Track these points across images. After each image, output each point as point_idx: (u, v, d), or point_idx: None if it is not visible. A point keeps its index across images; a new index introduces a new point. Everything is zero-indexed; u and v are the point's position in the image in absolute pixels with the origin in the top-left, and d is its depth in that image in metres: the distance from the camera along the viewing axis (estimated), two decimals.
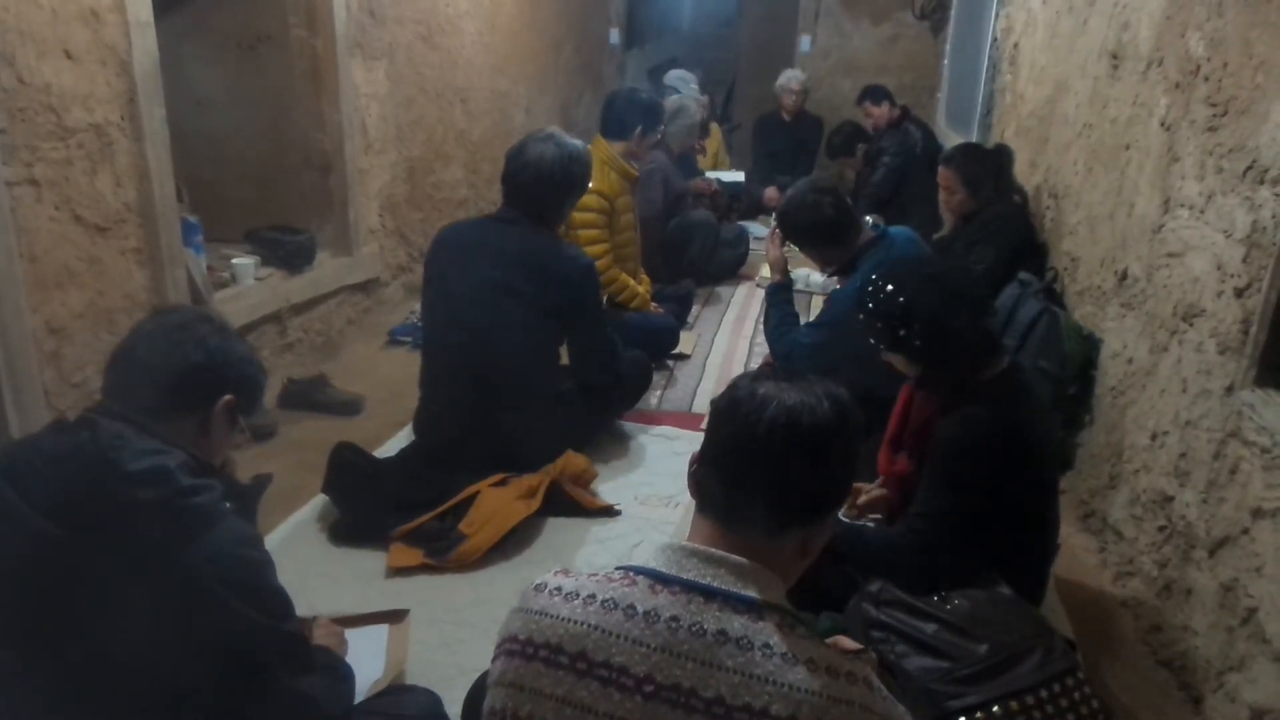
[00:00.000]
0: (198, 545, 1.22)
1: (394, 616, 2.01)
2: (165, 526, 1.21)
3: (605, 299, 3.47)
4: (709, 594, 0.98)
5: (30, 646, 1.22)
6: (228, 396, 1.38)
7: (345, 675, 1.52)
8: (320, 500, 2.48)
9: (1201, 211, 2.05)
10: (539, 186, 2.58)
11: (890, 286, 1.88)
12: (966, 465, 1.78)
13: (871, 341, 1.92)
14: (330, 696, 1.43)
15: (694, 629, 0.96)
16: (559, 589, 1.04)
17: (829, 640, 1.52)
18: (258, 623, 1.28)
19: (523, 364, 2.55)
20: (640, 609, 0.98)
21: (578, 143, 2.69)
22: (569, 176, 2.61)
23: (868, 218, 2.90)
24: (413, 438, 2.79)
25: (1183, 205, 2.15)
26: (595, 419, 2.88)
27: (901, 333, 1.85)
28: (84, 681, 1.22)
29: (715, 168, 5.67)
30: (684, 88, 5.51)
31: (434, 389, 2.68)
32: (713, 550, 1.02)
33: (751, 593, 0.98)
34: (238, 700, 1.29)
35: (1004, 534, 1.80)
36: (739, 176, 5.58)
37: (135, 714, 1.24)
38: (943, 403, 1.90)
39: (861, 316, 1.93)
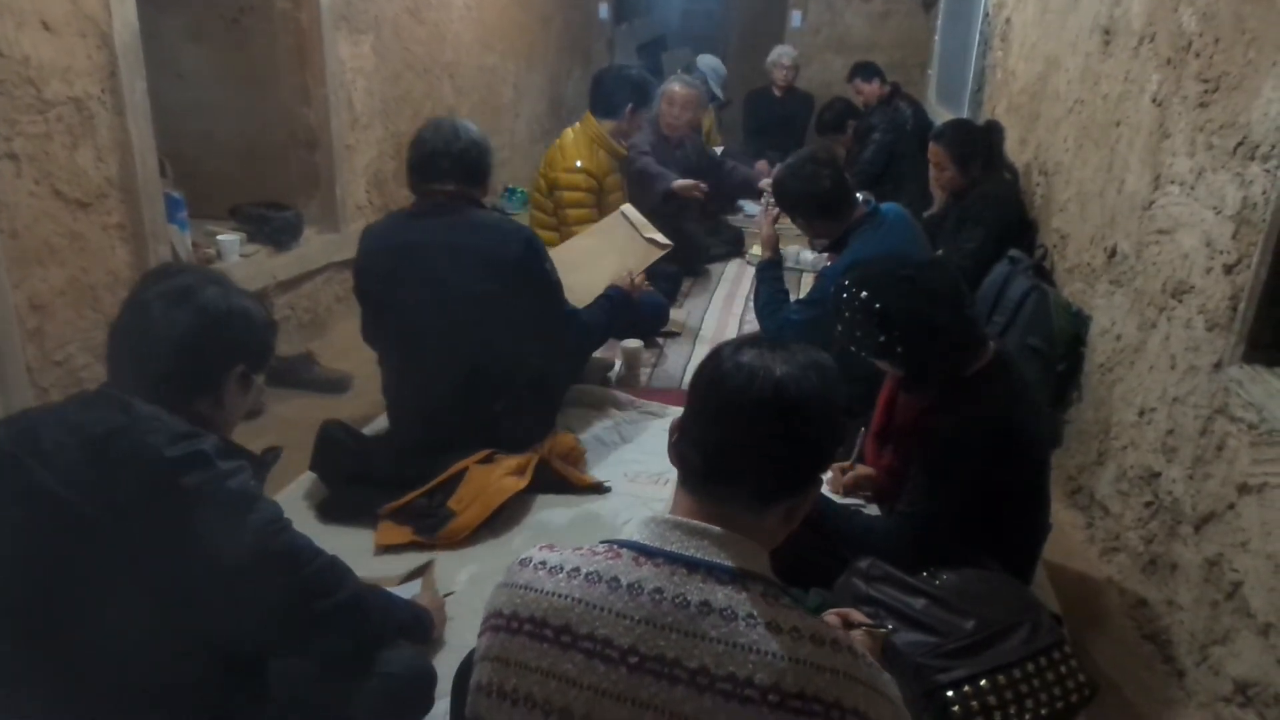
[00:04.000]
0: (242, 527, 1.23)
1: (418, 573, 2.08)
2: (205, 512, 1.20)
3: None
4: (692, 566, 0.98)
5: (63, 632, 1.20)
6: (239, 367, 1.36)
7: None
8: (308, 478, 2.47)
9: (1192, 188, 2.04)
10: (471, 152, 2.44)
11: (865, 293, 1.82)
12: (957, 472, 1.77)
13: (852, 349, 1.89)
14: (361, 594, 1.48)
15: (677, 600, 0.96)
16: (543, 563, 1.04)
17: (836, 612, 1.51)
18: (288, 577, 1.32)
19: (494, 357, 2.45)
20: (624, 581, 0.98)
21: (467, 122, 2.60)
22: (475, 149, 2.48)
23: (859, 194, 2.88)
24: None
25: (1173, 182, 2.15)
26: (567, 371, 2.89)
27: (881, 339, 1.81)
28: (119, 667, 1.20)
29: (708, 145, 5.63)
30: (713, 78, 5.47)
31: (408, 393, 2.55)
32: (695, 522, 1.01)
33: (734, 563, 0.98)
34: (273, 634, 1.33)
35: (995, 519, 1.80)
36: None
37: (175, 696, 1.24)
38: (930, 401, 1.89)
39: (839, 326, 1.89)
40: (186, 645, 1.23)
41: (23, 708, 1.23)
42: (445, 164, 2.43)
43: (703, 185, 4.29)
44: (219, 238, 3.17)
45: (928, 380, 1.90)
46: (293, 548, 1.35)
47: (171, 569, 1.19)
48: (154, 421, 1.22)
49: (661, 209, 4.06)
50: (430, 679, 1.57)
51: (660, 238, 3.21)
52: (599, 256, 3.09)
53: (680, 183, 4.23)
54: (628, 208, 3.30)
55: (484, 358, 2.41)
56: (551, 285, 2.55)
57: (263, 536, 1.28)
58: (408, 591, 1.98)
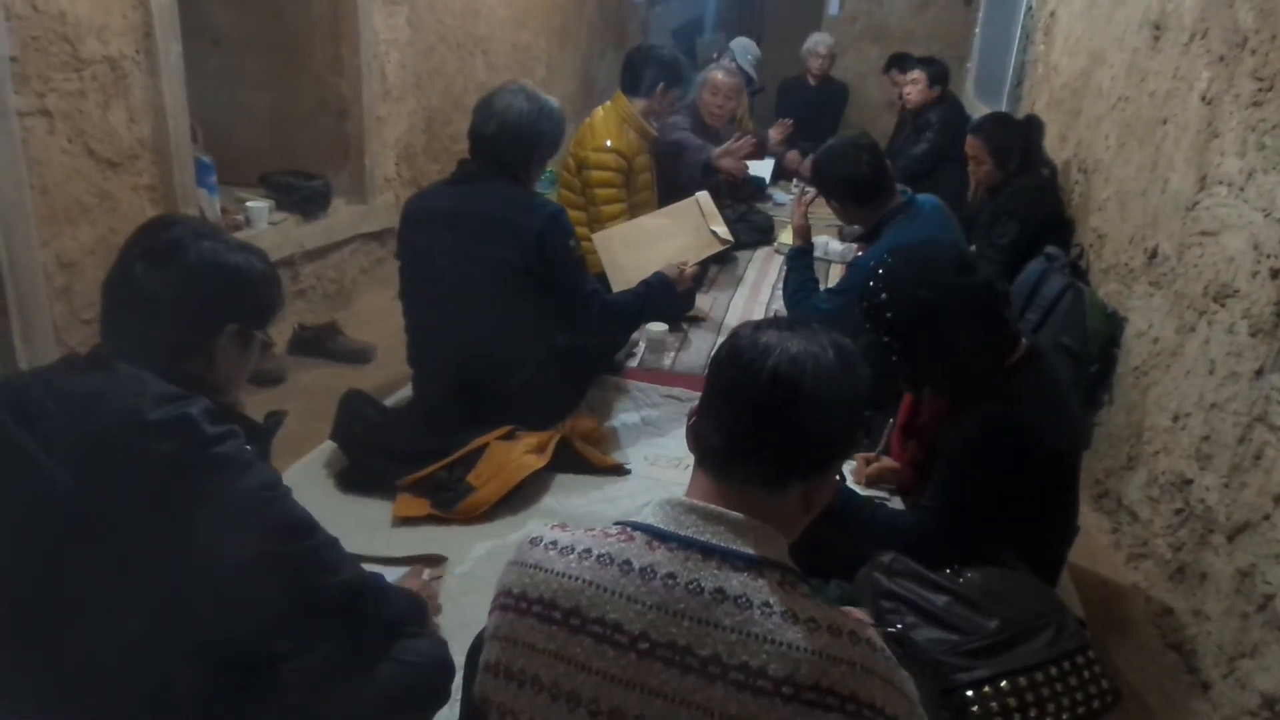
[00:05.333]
0: (229, 495, 1.17)
1: (432, 561, 2.03)
2: (190, 479, 1.14)
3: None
4: (707, 551, 0.96)
5: (48, 611, 1.15)
6: (232, 326, 1.29)
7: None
8: (328, 447, 2.47)
9: (1241, 189, 1.99)
10: (503, 140, 2.42)
11: (896, 288, 1.78)
12: (980, 470, 1.73)
13: (882, 342, 1.85)
14: (365, 577, 1.39)
15: (691, 586, 0.93)
16: (554, 543, 1.02)
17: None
18: (284, 549, 1.25)
19: (515, 329, 2.43)
20: (636, 565, 0.96)
21: (551, 99, 2.53)
22: (536, 132, 2.44)
23: (896, 185, 2.84)
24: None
25: (1220, 182, 2.09)
26: (600, 357, 2.88)
27: (910, 339, 1.78)
28: (111, 653, 1.14)
29: (741, 132, 5.56)
30: (740, 54, 5.37)
31: (430, 364, 2.57)
32: (711, 506, 0.99)
33: (751, 550, 0.96)
34: (272, 622, 1.25)
35: (1020, 518, 1.76)
36: (766, 170, 5.34)
37: (164, 691, 1.17)
38: (958, 397, 1.85)
39: (867, 324, 1.85)
40: (185, 625, 1.16)
41: (10, 697, 1.19)
42: (476, 144, 2.47)
43: (744, 154, 4.13)
44: (248, 205, 3.17)
45: (955, 379, 1.86)
46: (288, 516, 1.27)
47: (158, 542, 1.14)
48: (136, 384, 1.15)
49: (700, 183, 3.97)
50: (449, 670, 1.50)
51: (724, 232, 3.15)
52: (662, 240, 3.05)
53: (720, 150, 4.05)
54: (703, 196, 3.26)
55: (502, 330, 2.40)
56: (573, 263, 2.51)
57: (253, 503, 1.20)
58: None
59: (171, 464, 1.14)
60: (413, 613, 1.55)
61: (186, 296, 1.24)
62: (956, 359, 1.78)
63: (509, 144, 2.42)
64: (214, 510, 1.16)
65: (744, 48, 5.46)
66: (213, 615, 1.17)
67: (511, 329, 2.42)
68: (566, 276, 2.48)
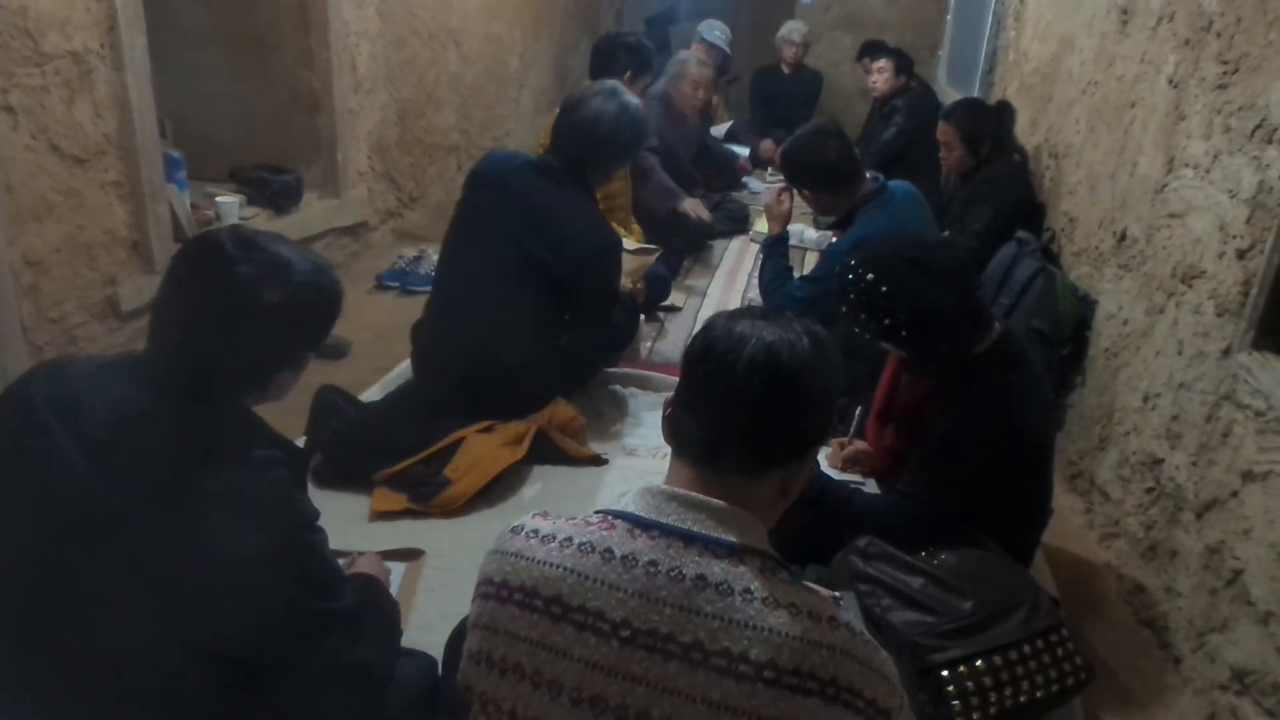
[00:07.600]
0: (264, 530, 1.15)
1: (410, 555, 2.02)
2: (234, 510, 1.13)
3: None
4: (689, 539, 0.97)
5: (61, 622, 1.13)
6: (300, 358, 1.29)
7: (389, 614, 1.49)
8: (303, 443, 2.45)
9: (1207, 171, 2.01)
10: (585, 143, 2.48)
11: (870, 275, 1.80)
12: (957, 456, 1.75)
13: (855, 330, 1.87)
14: (380, 659, 1.37)
15: (673, 574, 0.94)
16: (535, 531, 1.02)
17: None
18: (313, 607, 1.23)
19: (522, 319, 2.44)
20: (618, 553, 0.96)
21: (634, 99, 2.58)
22: (616, 141, 2.51)
23: (868, 172, 2.85)
24: (399, 382, 2.76)
25: (1187, 165, 2.12)
26: (584, 370, 2.84)
27: (886, 321, 1.79)
28: (120, 664, 1.13)
29: (714, 121, 5.56)
30: (709, 34, 5.35)
31: (433, 330, 2.59)
32: (693, 494, 1.00)
33: (731, 537, 0.97)
34: (285, 678, 1.22)
35: (995, 501, 1.78)
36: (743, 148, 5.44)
37: (170, 703, 1.16)
38: (933, 384, 1.87)
39: (844, 308, 1.87)
40: (196, 646, 1.14)
41: (13, 703, 1.17)
42: (561, 147, 2.52)
43: (704, 215, 4.20)
44: (218, 200, 3.14)
45: (931, 363, 1.88)
46: (319, 569, 1.26)
47: (183, 569, 1.12)
48: (188, 411, 1.14)
49: (669, 219, 4.02)
50: (439, 695, 1.47)
51: (645, 246, 3.18)
52: None
53: (689, 204, 4.13)
54: None
55: (515, 312, 2.42)
56: (603, 294, 2.57)
57: (289, 544, 1.19)
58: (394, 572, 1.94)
59: (214, 497, 1.12)
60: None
61: (258, 347, 1.22)
62: (931, 332, 1.79)
63: (593, 154, 2.50)
64: (248, 545, 1.14)
65: (710, 25, 5.43)
66: (230, 636, 1.16)
67: (524, 315, 2.44)
68: (595, 302, 2.56)
